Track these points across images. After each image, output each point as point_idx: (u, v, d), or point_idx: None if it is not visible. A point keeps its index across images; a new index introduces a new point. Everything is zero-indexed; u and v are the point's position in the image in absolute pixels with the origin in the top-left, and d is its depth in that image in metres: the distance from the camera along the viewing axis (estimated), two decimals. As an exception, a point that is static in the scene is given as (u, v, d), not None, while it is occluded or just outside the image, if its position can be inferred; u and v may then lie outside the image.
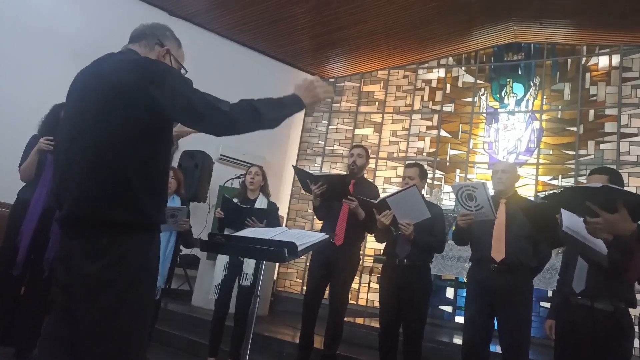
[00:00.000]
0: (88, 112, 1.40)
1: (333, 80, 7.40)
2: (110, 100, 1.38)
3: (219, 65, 6.26)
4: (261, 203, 3.43)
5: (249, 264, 3.30)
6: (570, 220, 1.90)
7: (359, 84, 7.28)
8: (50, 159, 2.87)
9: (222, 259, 3.39)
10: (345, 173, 3.47)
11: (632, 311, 2.25)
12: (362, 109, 7.18)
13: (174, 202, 3.35)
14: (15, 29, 5.00)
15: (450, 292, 5.96)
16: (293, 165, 3.65)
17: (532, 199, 5.19)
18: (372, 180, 6.36)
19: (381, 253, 3.50)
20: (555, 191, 1.86)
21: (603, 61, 6.01)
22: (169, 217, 3.07)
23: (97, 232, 1.35)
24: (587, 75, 6.06)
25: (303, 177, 3.34)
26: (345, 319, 3.46)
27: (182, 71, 1.66)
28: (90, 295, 1.33)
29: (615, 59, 5.91)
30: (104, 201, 1.36)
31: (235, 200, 3.43)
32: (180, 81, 1.43)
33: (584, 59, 6.10)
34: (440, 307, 5.91)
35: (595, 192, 1.54)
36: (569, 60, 6.23)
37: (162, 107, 1.37)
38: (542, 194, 5.85)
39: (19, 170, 2.95)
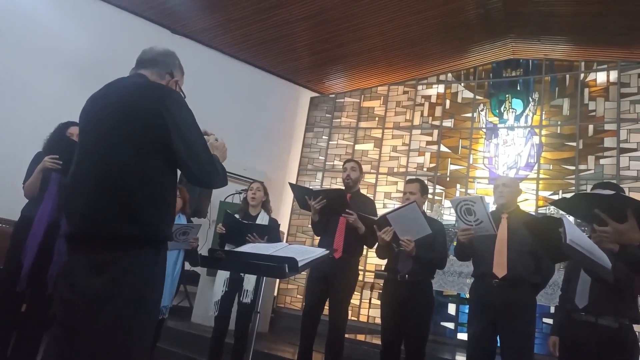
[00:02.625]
0: (100, 130, 1.45)
1: (333, 96, 7.47)
2: (123, 118, 1.42)
3: (220, 82, 6.33)
4: (263, 219, 3.43)
5: (249, 280, 3.28)
6: (574, 234, 1.89)
7: (359, 100, 7.33)
8: (54, 177, 2.88)
9: (222, 275, 3.37)
10: (342, 188, 3.47)
11: (636, 327, 2.23)
12: (362, 124, 7.22)
13: (180, 220, 3.34)
14: (19, 47, 5.07)
15: (452, 309, 5.90)
16: (290, 183, 3.65)
17: (534, 214, 5.17)
18: (372, 196, 6.38)
19: (382, 269, 3.48)
20: (565, 196, 1.84)
21: (601, 77, 6.06)
22: (180, 234, 3.06)
23: (102, 247, 1.36)
24: (586, 90, 6.10)
25: (300, 193, 3.34)
26: (346, 335, 3.42)
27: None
28: (94, 310, 1.33)
29: (613, 75, 5.96)
30: (112, 217, 1.38)
31: (236, 215, 3.43)
32: (187, 117, 1.49)
33: (582, 75, 6.16)
34: (442, 323, 5.84)
35: (605, 200, 1.52)
36: (568, 76, 6.28)
37: (169, 135, 1.42)
38: (542, 209, 5.84)
39: (23, 187, 2.96)
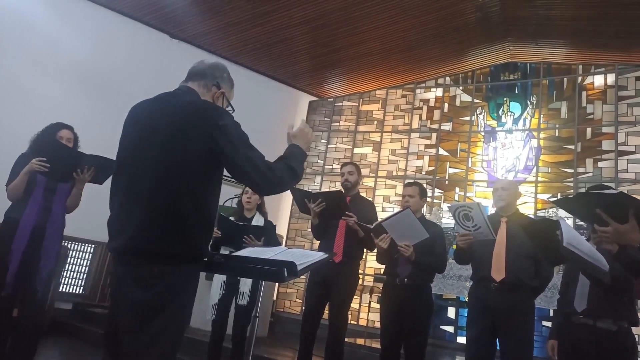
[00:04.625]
0: (149, 150, 1.47)
1: (332, 99, 7.48)
2: (175, 141, 1.45)
3: (219, 86, 6.33)
4: (258, 221, 3.42)
5: (245, 283, 3.27)
6: (571, 236, 1.89)
7: (357, 104, 7.35)
8: (40, 179, 2.83)
9: (219, 278, 3.36)
10: (342, 190, 3.47)
11: (634, 330, 2.23)
12: (361, 128, 7.23)
13: None
14: (19, 53, 5.07)
15: (451, 312, 5.89)
16: None
17: (532, 217, 5.18)
18: (371, 199, 6.37)
19: (382, 272, 3.48)
20: (568, 196, 1.84)
21: (599, 80, 6.08)
22: None
23: (153, 262, 1.42)
24: (584, 94, 6.12)
25: (300, 196, 3.34)
26: (346, 339, 3.41)
27: (230, 109, 1.76)
28: (142, 320, 1.38)
29: (611, 78, 5.98)
30: (165, 236, 1.43)
31: (231, 218, 3.43)
32: (243, 135, 1.52)
33: (580, 78, 6.18)
34: (442, 327, 5.83)
35: (607, 200, 1.52)
36: (565, 79, 6.30)
37: (223, 153, 1.46)
38: (541, 212, 5.84)
39: (6, 189, 2.87)
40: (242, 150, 1.48)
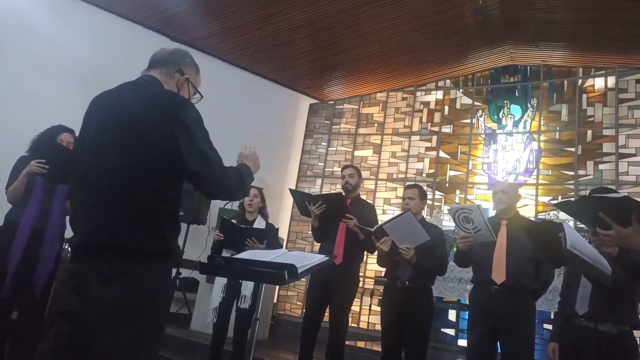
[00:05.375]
0: (111, 143, 1.43)
1: (332, 102, 7.49)
2: (136, 134, 1.41)
3: (220, 89, 6.34)
4: (259, 224, 3.43)
5: (247, 286, 3.27)
6: (574, 239, 1.89)
7: (358, 106, 7.35)
8: (38, 181, 2.83)
9: (220, 281, 3.36)
10: (342, 193, 3.47)
11: (636, 333, 2.22)
12: (361, 130, 7.24)
13: None
14: (20, 55, 5.08)
15: (452, 315, 5.88)
16: (290, 189, 3.65)
17: (533, 219, 5.17)
18: (371, 202, 6.37)
19: (382, 275, 3.47)
20: (570, 199, 1.84)
21: (599, 83, 6.09)
22: None
23: (119, 258, 1.36)
24: (584, 96, 6.13)
25: (300, 199, 3.34)
26: (347, 342, 3.40)
27: (198, 96, 1.73)
28: (109, 320, 1.32)
29: (611, 81, 5.99)
30: (130, 229, 1.38)
31: (233, 221, 3.43)
32: (203, 132, 1.49)
33: (580, 81, 6.18)
34: (442, 330, 5.82)
35: (610, 203, 1.51)
36: (566, 82, 6.31)
37: (180, 150, 1.42)
38: (542, 215, 5.84)
39: (5, 192, 2.88)
40: (198, 147, 1.44)
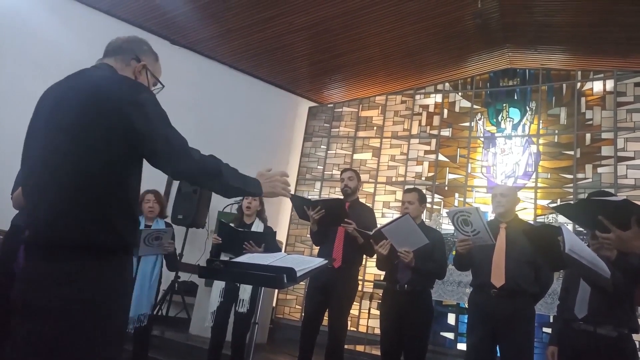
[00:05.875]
0: (63, 130, 1.35)
1: (332, 105, 7.50)
2: (87, 120, 1.33)
3: (220, 92, 6.36)
4: (257, 227, 3.42)
5: (244, 290, 3.26)
6: (573, 242, 1.89)
7: (357, 110, 7.36)
8: None
9: (218, 285, 3.35)
10: (341, 197, 3.47)
11: (635, 337, 2.22)
12: (361, 133, 7.24)
13: (157, 225, 3.33)
14: (21, 57, 5.09)
15: (451, 319, 5.87)
16: (289, 194, 3.64)
17: (532, 222, 5.17)
18: (371, 205, 6.37)
19: (381, 279, 3.47)
20: (569, 202, 1.84)
21: (597, 86, 6.10)
22: (153, 239, 3.05)
23: (71, 255, 1.29)
24: (583, 100, 6.14)
25: (299, 203, 3.34)
26: (346, 346, 3.40)
27: (159, 86, 1.64)
28: (59, 319, 1.25)
29: (609, 84, 6.00)
30: (79, 223, 1.30)
31: (231, 224, 3.43)
32: (160, 112, 1.40)
33: (579, 84, 6.20)
34: (441, 333, 5.81)
35: (610, 206, 1.51)
36: (564, 86, 6.32)
37: (137, 132, 1.33)
38: (541, 218, 5.84)
39: (11, 197, 2.84)
40: (157, 128, 1.35)
